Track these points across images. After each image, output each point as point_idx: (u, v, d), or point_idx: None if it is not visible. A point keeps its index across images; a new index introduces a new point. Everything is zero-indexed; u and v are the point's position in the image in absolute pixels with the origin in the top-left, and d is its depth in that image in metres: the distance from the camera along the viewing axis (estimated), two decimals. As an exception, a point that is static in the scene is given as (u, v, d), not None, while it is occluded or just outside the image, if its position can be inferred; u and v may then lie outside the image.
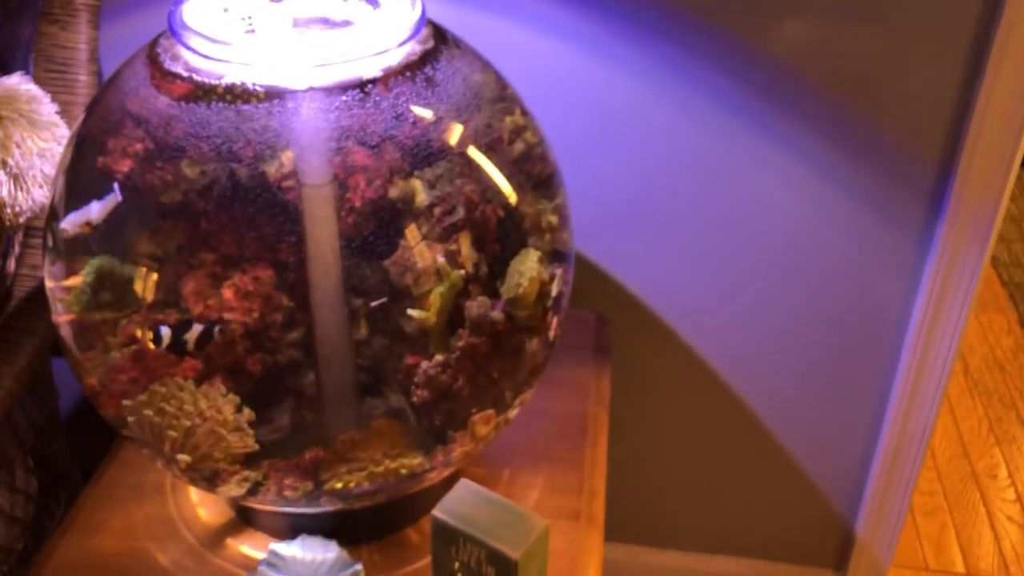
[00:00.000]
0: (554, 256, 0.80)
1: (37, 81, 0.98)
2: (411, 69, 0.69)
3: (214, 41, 0.66)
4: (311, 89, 0.67)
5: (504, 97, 0.83)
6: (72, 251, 0.79)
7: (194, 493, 0.89)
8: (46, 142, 0.82)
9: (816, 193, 1.08)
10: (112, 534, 0.84)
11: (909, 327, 1.15)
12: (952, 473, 1.67)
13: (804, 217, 1.10)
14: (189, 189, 0.81)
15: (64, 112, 0.89)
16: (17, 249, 0.98)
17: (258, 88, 0.67)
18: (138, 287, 0.80)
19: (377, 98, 0.68)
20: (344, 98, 0.67)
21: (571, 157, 0.97)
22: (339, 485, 0.75)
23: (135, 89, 0.73)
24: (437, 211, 0.80)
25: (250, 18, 0.69)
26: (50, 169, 0.83)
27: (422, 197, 0.81)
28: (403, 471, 0.75)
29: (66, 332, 0.80)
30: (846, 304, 1.16)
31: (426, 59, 0.70)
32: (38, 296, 0.97)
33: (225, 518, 0.86)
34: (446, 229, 0.80)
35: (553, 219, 0.82)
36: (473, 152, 0.77)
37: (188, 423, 0.74)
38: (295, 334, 0.85)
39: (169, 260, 0.82)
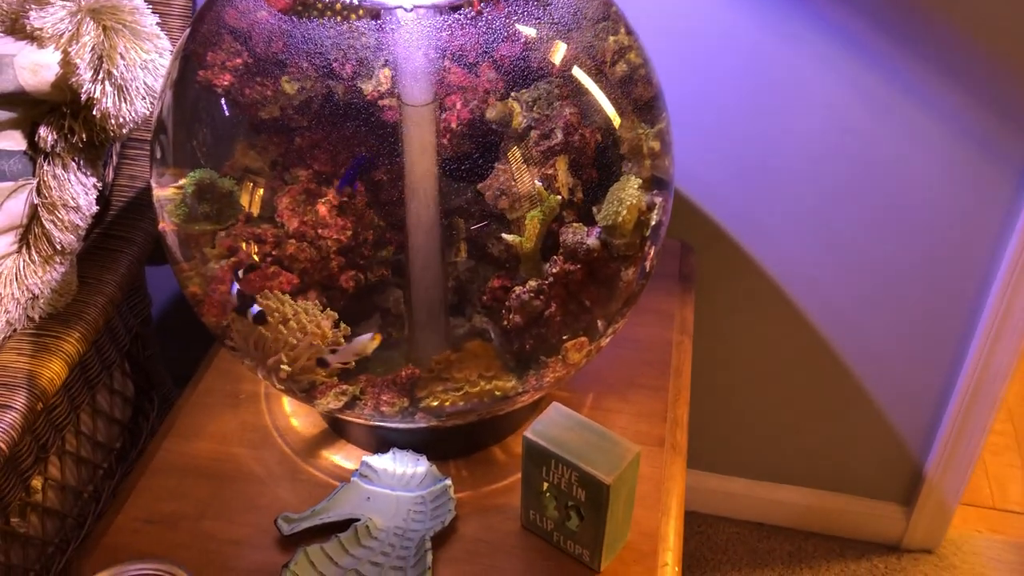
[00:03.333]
0: (654, 183, 0.79)
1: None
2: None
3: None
4: (416, 7, 0.66)
5: (608, 15, 0.81)
6: (177, 163, 0.80)
7: (287, 404, 0.91)
8: (148, 54, 0.83)
9: (912, 121, 1.05)
10: (208, 439, 0.87)
11: (997, 271, 1.12)
12: (1023, 414, 1.65)
13: (900, 154, 1.07)
14: (287, 105, 0.81)
15: (161, 24, 0.90)
16: (115, 159, 1.00)
17: (362, 3, 0.66)
18: (238, 199, 0.81)
19: (488, 18, 0.66)
20: (451, 17, 0.66)
21: (670, 80, 0.95)
22: (434, 403, 0.76)
23: (237, 2, 0.72)
24: (535, 134, 0.79)
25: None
26: (152, 81, 0.83)
27: (520, 119, 0.81)
28: (497, 393, 0.76)
29: (170, 241, 0.81)
30: (936, 245, 1.13)
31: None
32: (136, 205, 0.99)
33: (318, 429, 0.89)
34: (543, 152, 0.79)
35: (655, 144, 0.81)
36: (575, 72, 0.75)
37: (291, 337, 0.76)
38: (387, 253, 0.86)
39: (265, 175, 0.83)
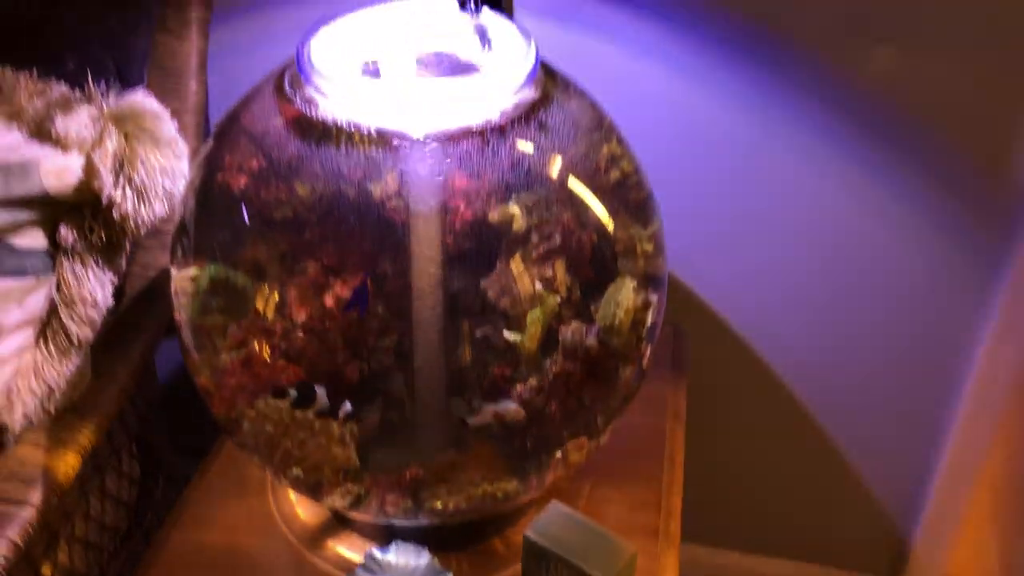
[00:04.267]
0: (649, 282, 0.83)
1: (150, 88, 1.03)
2: (526, 116, 0.71)
3: (338, 84, 0.69)
4: (428, 138, 0.70)
5: (601, 126, 0.86)
6: (196, 259, 0.84)
7: (292, 492, 0.94)
8: (167, 159, 0.86)
9: (893, 216, 1.10)
10: (217, 529, 0.90)
11: (975, 352, 1.17)
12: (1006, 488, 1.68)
13: (880, 238, 1.12)
14: (300, 206, 0.85)
15: (175, 118, 0.94)
16: (129, 248, 1.03)
17: (375, 133, 0.69)
18: (251, 295, 0.85)
19: (492, 145, 0.71)
20: (459, 146, 0.70)
21: (656, 170, 0.99)
22: (438, 504, 0.79)
23: (261, 121, 0.77)
24: (535, 237, 0.83)
25: (375, 62, 0.72)
26: (170, 184, 0.87)
27: (520, 222, 0.85)
28: (499, 495, 0.79)
29: (184, 332, 0.85)
30: (915, 324, 1.17)
31: (539, 104, 0.73)
32: (148, 293, 1.03)
33: (322, 518, 0.92)
34: (543, 254, 0.83)
35: (648, 247, 0.84)
36: (572, 182, 0.79)
37: (300, 435, 0.79)
38: (389, 341, 0.89)
39: (276, 271, 0.87)
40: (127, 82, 1.01)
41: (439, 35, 0.78)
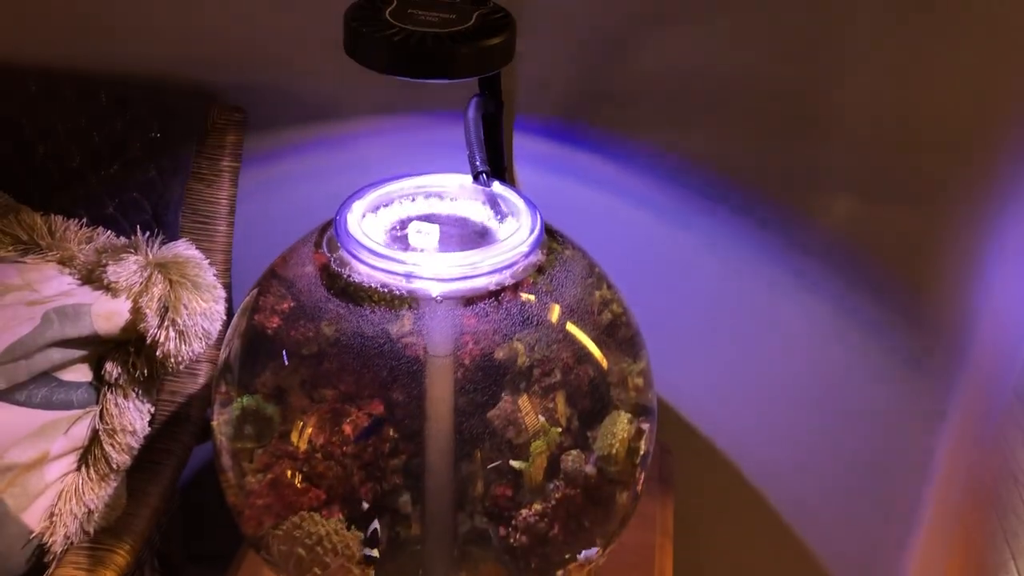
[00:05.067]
0: (641, 412, 0.92)
1: (183, 230, 1.13)
2: (532, 278, 0.82)
3: (370, 251, 0.80)
4: (444, 298, 0.80)
5: (593, 274, 0.96)
6: (234, 391, 0.94)
7: (310, 606, 1.01)
8: (207, 303, 0.96)
9: (854, 345, 1.21)
10: (241, 644, 0.97)
11: (932, 469, 1.27)
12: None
13: (842, 365, 1.22)
14: (325, 343, 0.95)
15: (206, 257, 1.04)
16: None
17: (400, 293, 0.80)
18: (276, 423, 0.94)
19: (505, 304, 0.81)
20: (474, 307, 0.81)
21: (640, 297, 1.09)
22: (454, 624, 0.87)
23: (297, 273, 0.87)
24: (537, 372, 0.93)
25: (402, 228, 0.83)
26: (208, 325, 0.97)
27: (524, 359, 0.95)
28: (510, 614, 0.87)
29: (220, 457, 0.94)
30: (880, 447, 1.28)
31: (543, 266, 0.84)
32: (176, 419, 1.11)
33: (339, 632, 0.99)
34: (544, 388, 0.93)
35: (639, 380, 0.94)
36: (570, 326, 0.89)
37: (328, 559, 0.87)
38: (398, 461, 0.98)
39: (301, 401, 0.96)
40: (163, 224, 1.12)
41: (455, 202, 0.89)
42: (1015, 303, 1.12)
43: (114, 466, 0.98)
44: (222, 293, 0.98)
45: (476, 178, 0.88)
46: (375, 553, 0.87)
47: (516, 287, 0.82)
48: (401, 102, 1.15)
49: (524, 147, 1.15)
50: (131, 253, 0.98)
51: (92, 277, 0.97)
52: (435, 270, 0.79)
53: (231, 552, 1.26)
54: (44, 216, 1.05)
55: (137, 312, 0.95)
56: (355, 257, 0.81)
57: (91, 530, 0.98)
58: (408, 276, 0.79)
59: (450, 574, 0.94)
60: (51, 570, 0.95)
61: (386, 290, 0.80)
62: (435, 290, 0.80)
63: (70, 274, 0.99)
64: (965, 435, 1.24)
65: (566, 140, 1.14)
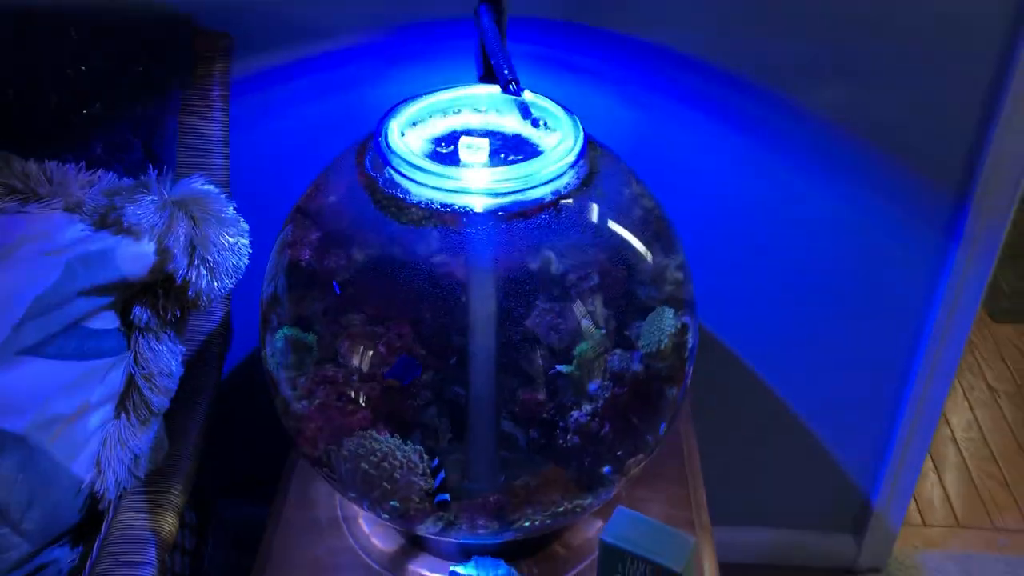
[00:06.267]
0: (683, 307, 0.95)
1: (181, 166, 1.10)
2: (584, 185, 0.83)
3: (422, 169, 0.79)
4: (492, 215, 0.80)
5: (629, 175, 0.97)
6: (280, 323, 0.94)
7: (364, 524, 1.04)
8: (234, 238, 0.95)
9: (852, 217, 1.26)
10: (305, 570, 0.99)
11: (930, 319, 1.34)
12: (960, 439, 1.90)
13: (841, 232, 1.27)
14: (369, 267, 0.95)
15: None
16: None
17: (447, 210, 0.79)
18: (314, 349, 0.95)
19: (562, 214, 0.82)
20: (519, 224, 0.81)
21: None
22: (526, 524, 0.90)
23: (341, 203, 0.86)
24: (573, 277, 0.94)
25: (450, 146, 0.83)
26: (237, 260, 0.95)
27: (556, 265, 0.96)
28: (577, 509, 0.90)
29: (271, 383, 0.94)
30: (872, 308, 1.34)
31: (591, 174, 0.84)
32: (203, 357, 1.10)
33: (397, 544, 1.01)
34: (582, 293, 0.94)
35: (678, 275, 0.97)
36: (617, 228, 0.90)
37: (396, 474, 0.89)
38: (428, 377, 1.00)
39: (339, 327, 0.96)
40: (158, 161, 1.08)
41: (487, 114, 0.89)
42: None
43: (155, 409, 0.97)
44: (246, 226, 0.97)
45: (506, 88, 0.88)
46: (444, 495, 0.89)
47: (571, 195, 0.82)
48: (390, 14, 1.12)
49: (520, 51, 1.14)
50: (144, 193, 0.95)
51: (107, 221, 0.94)
52: (489, 184, 0.79)
53: (253, 481, 1.28)
54: (38, 163, 1.00)
55: (164, 252, 0.93)
56: (406, 177, 0.80)
57: (140, 474, 0.97)
58: (462, 192, 0.79)
59: (497, 479, 0.96)
60: (110, 516, 0.94)
61: (444, 208, 0.80)
62: (488, 205, 0.80)
63: (81, 220, 0.96)
64: (960, 299, 1.31)
65: (565, 42, 1.13)
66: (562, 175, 0.81)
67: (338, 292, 0.90)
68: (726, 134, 1.19)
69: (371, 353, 0.93)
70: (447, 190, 0.79)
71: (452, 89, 0.90)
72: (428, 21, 1.11)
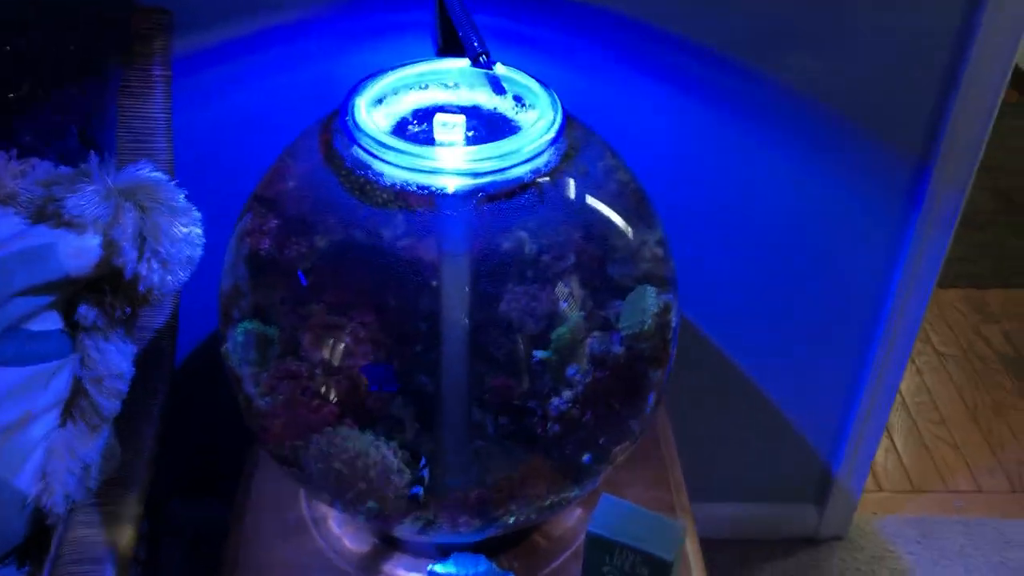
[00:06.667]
0: (663, 283, 0.92)
1: (122, 152, 1.03)
2: (564, 162, 0.79)
3: (395, 150, 0.74)
4: (470, 196, 0.76)
5: (604, 148, 0.93)
6: (240, 317, 0.88)
7: (335, 524, 0.99)
8: (187, 227, 0.88)
9: (814, 189, 1.24)
10: (274, 572, 0.93)
11: (889, 291, 1.34)
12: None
13: (802, 207, 1.26)
14: (318, 256, 0.90)
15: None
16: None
17: (422, 191, 0.75)
18: (276, 343, 0.90)
19: (530, 199, 0.78)
20: (498, 205, 0.77)
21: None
22: (511, 519, 0.86)
23: (306, 187, 0.81)
24: (547, 257, 0.90)
25: (421, 124, 0.78)
26: (191, 251, 0.89)
27: (529, 246, 0.92)
28: (563, 502, 0.87)
29: (232, 380, 0.89)
30: (832, 281, 1.34)
31: (571, 150, 0.80)
32: (153, 355, 1.03)
33: (370, 545, 0.97)
34: (558, 274, 0.90)
35: (658, 251, 0.93)
36: (597, 205, 0.87)
37: (371, 473, 0.84)
38: (397, 365, 0.95)
39: (300, 319, 0.91)
40: (96, 148, 1.01)
41: (458, 89, 0.84)
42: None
43: (105, 415, 0.91)
44: (198, 215, 0.90)
45: (475, 61, 0.83)
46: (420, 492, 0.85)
47: (551, 174, 0.78)
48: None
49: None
50: (86, 182, 0.87)
51: (45, 214, 0.87)
52: (467, 164, 0.75)
53: (211, 477, 1.22)
54: (-39, 153, 0.92)
55: (111, 246, 0.86)
56: (377, 157, 0.75)
57: (92, 486, 0.91)
58: (437, 172, 0.75)
59: (475, 473, 0.92)
60: (61, 533, 0.88)
61: (419, 190, 0.75)
62: (465, 186, 0.75)
63: (16, 214, 0.88)
64: (918, 273, 1.31)
65: (525, 12, 1.08)
66: (542, 153, 0.77)
67: (304, 283, 0.85)
68: (686, 105, 1.17)
69: (336, 345, 0.88)
70: (421, 170, 0.74)
71: (419, 63, 0.85)
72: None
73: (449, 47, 1.01)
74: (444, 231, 0.78)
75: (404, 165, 0.74)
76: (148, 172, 0.90)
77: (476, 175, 0.75)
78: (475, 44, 0.82)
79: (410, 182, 0.75)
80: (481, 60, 0.82)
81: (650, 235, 0.92)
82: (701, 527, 1.57)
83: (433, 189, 0.75)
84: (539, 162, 0.77)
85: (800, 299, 1.36)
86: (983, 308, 2.19)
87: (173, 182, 0.91)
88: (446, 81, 0.85)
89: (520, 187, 0.76)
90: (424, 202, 0.75)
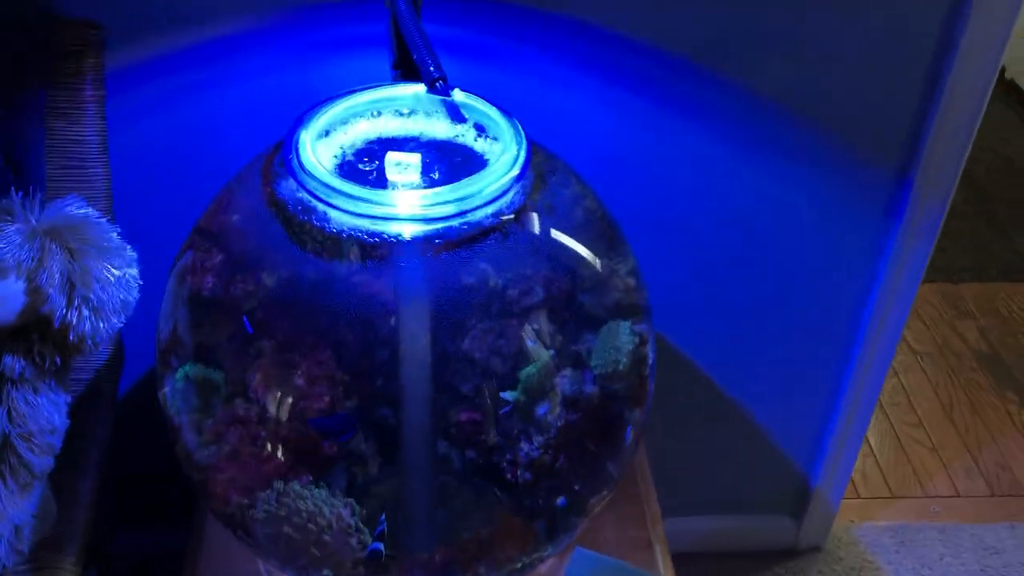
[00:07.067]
0: (639, 315, 0.86)
1: (52, 179, 0.95)
2: (530, 202, 0.73)
3: (345, 195, 0.68)
4: (427, 244, 0.69)
5: (556, 169, 0.87)
6: (179, 361, 0.81)
7: (292, 577, 0.92)
8: (120, 270, 0.81)
9: (789, 199, 1.19)
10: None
11: (868, 305, 1.30)
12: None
13: (778, 219, 1.21)
14: (265, 294, 0.83)
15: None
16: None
17: (373, 239, 0.68)
18: (221, 388, 0.83)
19: (494, 244, 0.71)
20: (456, 253, 0.70)
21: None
22: (479, 585, 0.81)
23: (247, 228, 0.74)
24: (514, 292, 0.84)
25: (371, 163, 0.71)
26: (126, 295, 0.82)
27: (495, 280, 0.86)
28: (536, 562, 0.81)
29: (172, 431, 0.82)
30: (812, 292, 1.29)
31: (535, 186, 0.74)
32: (89, 400, 0.96)
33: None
34: (526, 309, 0.84)
35: (630, 280, 0.87)
36: (563, 240, 0.80)
37: (326, 537, 0.78)
38: (352, 403, 0.89)
39: (248, 358, 0.84)
40: (22, 176, 0.93)
41: (412, 117, 0.77)
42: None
43: (36, 472, 0.84)
44: (133, 255, 0.83)
45: (432, 86, 0.76)
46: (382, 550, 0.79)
47: (516, 214, 0.72)
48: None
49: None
50: (8, 221, 0.80)
51: (-39, 258, 0.79)
52: (424, 210, 0.68)
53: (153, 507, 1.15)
54: None
55: (36, 292, 0.78)
56: (324, 201, 0.68)
57: (24, 548, 0.84)
58: (392, 219, 0.68)
59: (438, 533, 0.87)
60: (-10, 605, 0.81)
61: (371, 238, 0.68)
62: (420, 232, 0.69)
63: (-71, 257, 0.80)
64: (895, 294, 1.27)
65: (481, 23, 1.01)
66: (506, 192, 0.71)
67: (250, 330, 0.78)
68: (655, 118, 1.11)
69: (285, 390, 0.82)
70: (374, 216, 0.68)
71: (370, 89, 0.78)
72: (329, 3, 0.98)
73: (405, 64, 0.94)
74: (401, 280, 0.72)
75: (354, 211, 0.67)
76: (76, 209, 0.82)
77: (433, 220, 0.68)
78: (431, 69, 0.75)
79: (360, 228, 0.68)
80: (438, 86, 0.76)
81: (621, 264, 0.87)
82: (676, 541, 1.53)
83: (386, 236, 0.68)
84: (503, 202, 0.71)
85: (778, 311, 1.31)
86: (958, 303, 2.17)
87: (106, 219, 0.84)
88: (400, 108, 0.78)
89: (482, 232, 0.70)
90: (378, 252, 0.69)
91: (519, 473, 0.83)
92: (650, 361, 0.85)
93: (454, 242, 0.68)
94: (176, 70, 1.00)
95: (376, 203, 0.67)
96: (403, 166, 0.70)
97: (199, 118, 1.03)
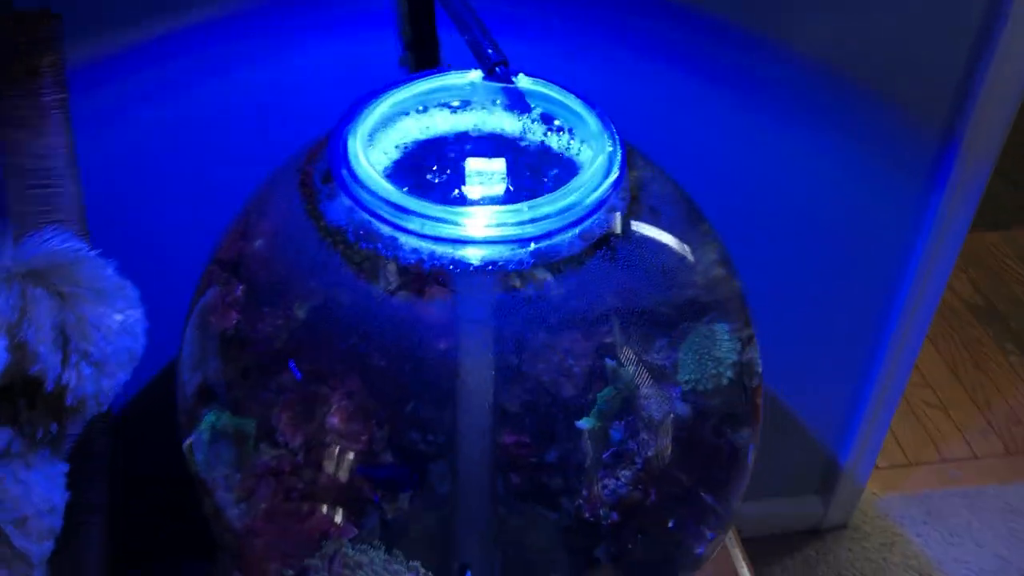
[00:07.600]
0: (739, 314, 0.75)
1: (18, 201, 0.80)
2: (626, 218, 0.60)
3: (419, 215, 0.55)
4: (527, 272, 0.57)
5: (651, 169, 0.75)
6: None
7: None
8: (122, 313, 0.67)
9: (824, 170, 1.10)
10: None
11: (906, 280, 1.22)
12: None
13: (813, 188, 1.12)
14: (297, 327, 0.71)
15: (60, 235, 0.73)
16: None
17: (449, 268, 0.55)
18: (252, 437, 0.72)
19: (596, 265, 0.59)
20: (528, 292, 0.58)
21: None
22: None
23: (291, 256, 0.61)
24: (623, 313, 0.71)
25: (441, 173, 0.58)
26: (132, 342, 0.68)
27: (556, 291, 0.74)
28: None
29: (200, 491, 0.70)
30: (847, 268, 1.20)
31: (631, 198, 0.62)
32: (84, 461, 0.82)
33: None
34: (594, 320, 0.73)
35: (721, 271, 0.76)
36: (657, 250, 0.69)
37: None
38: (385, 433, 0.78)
39: (279, 402, 0.72)
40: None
41: (469, 111, 0.64)
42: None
43: (35, 561, 0.70)
44: (134, 291, 0.69)
45: (490, 72, 0.64)
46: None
47: (608, 238, 0.59)
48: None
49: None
50: (-24, 265, 0.65)
51: (-76, 313, 0.65)
52: (498, 230, 0.55)
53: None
54: None
55: (21, 349, 0.64)
56: (394, 225, 0.55)
57: (29, 651, 0.70)
58: (468, 243, 0.55)
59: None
60: None
61: (456, 268, 0.56)
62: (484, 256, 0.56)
63: None
64: (936, 262, 1.20)
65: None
66: (607, 197, 0.58)
67: (299, 377, 0.65)
68: (702, 84, 1.00)
69: (333, 443, 0.70)
70: (450, 239, 0.55)
71: (416, 82, 0.64)
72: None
73: (419, 44, 0.81)
74: (472, 312, 0.60)
75: (430, 234, 0.55)
76: (60, 243, 0.68)
77: (522, 241, 0.56)
78: (490, 52, 0.63)
79: (438, 254, 0.55)
80: (499, 71, 0.63)
81: (710, 256, 0.75)
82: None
83: (470, 264, 0.55)
84: (592, 220, 0.59)
85: (813, 286, 1.22)
86: (946, 256, 2.12)
87: (95, 251, 0.70)
88: (450, 101, 0.66)
89: (582, 254, 0.58)
90: (460, 281, 0.57)
91: (606, 514, 0.73)
92: (757, 369, 0.73)
93: (563, 260, 0.56)
94: (138, 67, 0.85)
95: (452, 223, 0.54)
96: (487, 175, 0.57)
97: (176, 119, 0.88)
